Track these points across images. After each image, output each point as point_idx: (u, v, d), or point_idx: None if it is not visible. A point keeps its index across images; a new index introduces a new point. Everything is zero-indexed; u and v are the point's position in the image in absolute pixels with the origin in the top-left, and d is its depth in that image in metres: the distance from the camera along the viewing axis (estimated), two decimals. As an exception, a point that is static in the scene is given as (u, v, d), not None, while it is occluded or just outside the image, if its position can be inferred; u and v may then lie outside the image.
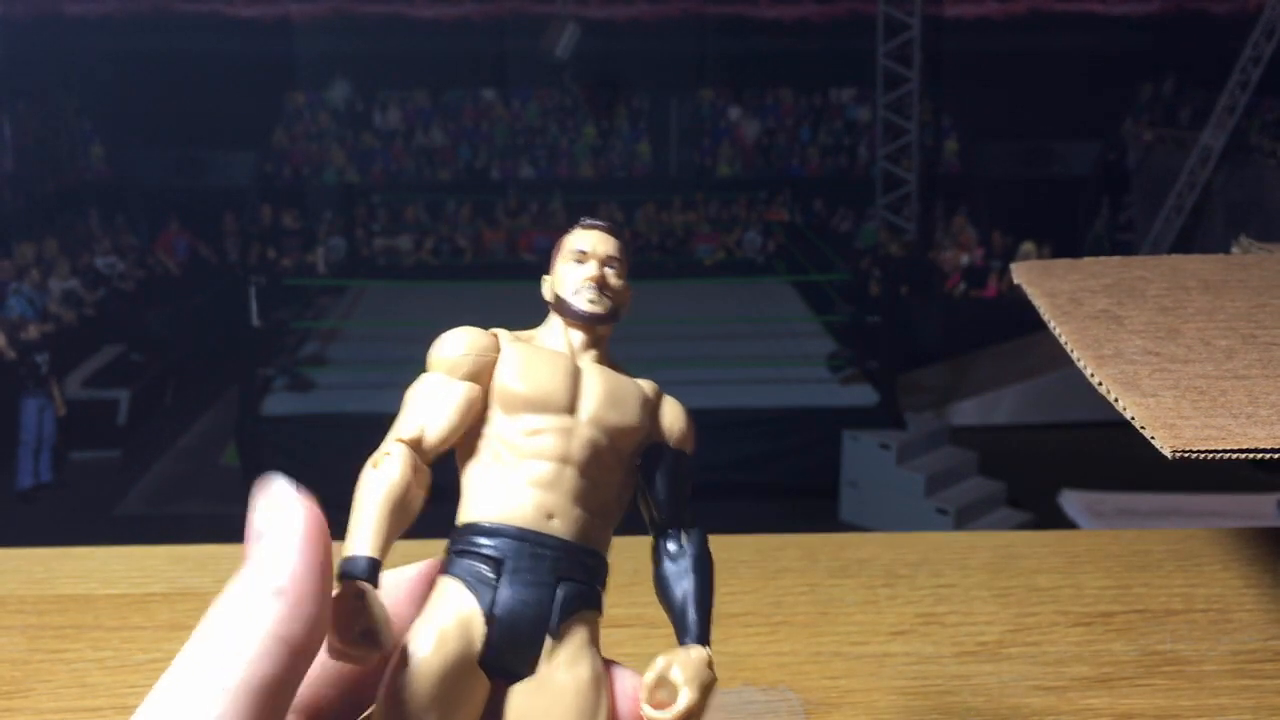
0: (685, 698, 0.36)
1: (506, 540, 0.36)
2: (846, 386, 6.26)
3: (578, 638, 0.37)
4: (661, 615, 0.39)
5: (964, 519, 5.20)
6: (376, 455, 0.37)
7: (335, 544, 0.33)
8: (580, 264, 0.41)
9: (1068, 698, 0.65)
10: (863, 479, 5.57)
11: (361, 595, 0.33)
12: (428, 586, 0.37)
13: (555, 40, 8.85)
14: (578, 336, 0.40)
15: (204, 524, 5.40)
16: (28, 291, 6.99)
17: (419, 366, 0.39)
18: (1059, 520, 4.73)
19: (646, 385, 0.41)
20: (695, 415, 0.41)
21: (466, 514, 0.38)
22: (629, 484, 0.40)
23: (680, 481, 0.40)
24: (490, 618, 0.36)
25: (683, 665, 0.36)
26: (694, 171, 10.40)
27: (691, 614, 0.38)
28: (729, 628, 0.71)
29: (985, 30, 10.20)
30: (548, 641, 0.36)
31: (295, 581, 0.32)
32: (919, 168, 9.39)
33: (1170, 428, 0.51)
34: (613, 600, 0.39)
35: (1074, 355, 0.61)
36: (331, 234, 9.28)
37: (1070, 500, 4.91)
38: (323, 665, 0.34)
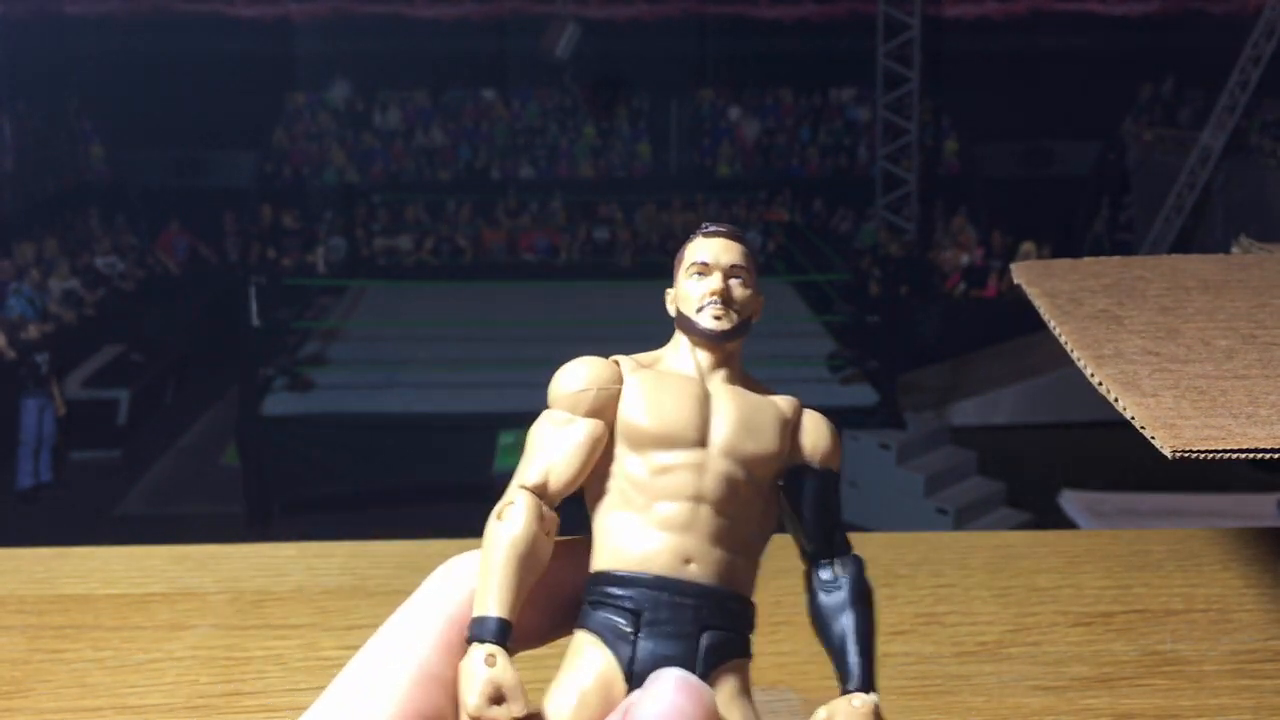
0: None
1: (642, 590, 0.34)
2: (846, 386, 6.26)
3: (727, 689, 0.34)
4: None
5: (964, 519, 5.20)
6: (501, 505, 0.35)
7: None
8: (703, 277, 0.38)
9: (1068, 698, 0.65)
10: (862, 479, 5.56)
11: (493, 659, 0.32)
12: (459, 632, 0.34)
13: (555, 40, 8.85)
14: (705, 356, 0.38)
15: (204, 524, 5.41)
16: (28, 291, 6.99)
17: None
18: (1059, 520, 4.72)
19: (784, 403, 0.38)
20: None
21: (598, 562, 0.35)
22: (770, 513, 0.37)
23: (829, 504, 0.38)
24: (630, 675, 0.33)
25: (847, 717, 0.34)
26: (694, 172, 10.38)
27: (853, 656, 0.36)
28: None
29: (985, 30, 10.19)
30: None
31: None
32: (919, 168, 9.38)
33: (1170, 428, 0.51)
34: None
35: (1074, 355, 0.61)
36: (332, 234, 9.27)
37: (1070, 500, 4.91)
38: None
